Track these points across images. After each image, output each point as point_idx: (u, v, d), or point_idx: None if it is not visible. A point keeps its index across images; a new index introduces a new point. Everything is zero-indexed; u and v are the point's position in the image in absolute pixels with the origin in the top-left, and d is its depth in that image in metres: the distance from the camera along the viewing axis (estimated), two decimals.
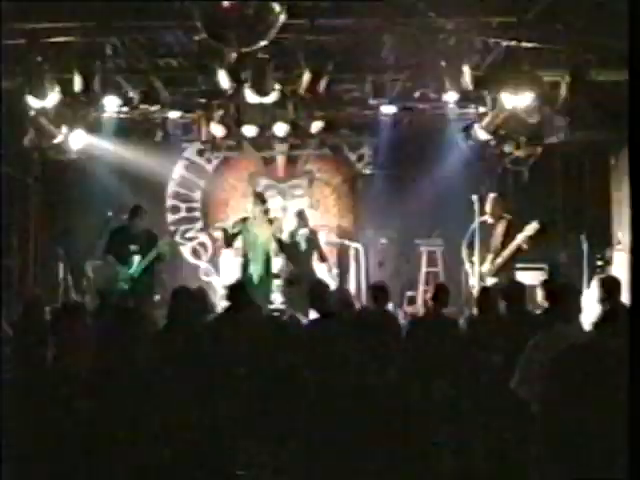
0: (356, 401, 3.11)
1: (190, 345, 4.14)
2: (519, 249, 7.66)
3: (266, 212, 8.14)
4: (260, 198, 8.31)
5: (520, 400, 4.11)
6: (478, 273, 7.74)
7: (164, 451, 3.42)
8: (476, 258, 7.74)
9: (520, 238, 7.58)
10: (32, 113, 7.81)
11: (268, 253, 8.12)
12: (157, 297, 8.48)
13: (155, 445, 3.38)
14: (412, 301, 9.81)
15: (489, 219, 7.89)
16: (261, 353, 4.22)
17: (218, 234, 9.84)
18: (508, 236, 7.74)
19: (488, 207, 7.93)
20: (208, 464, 3.75)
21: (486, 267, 7.73)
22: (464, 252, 7.93)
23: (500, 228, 7.82)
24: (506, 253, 7.67)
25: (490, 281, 7.64)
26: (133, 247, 7.85)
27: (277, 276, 8.88)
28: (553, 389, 3.39)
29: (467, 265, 7.92)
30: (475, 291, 7.44)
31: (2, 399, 3.26)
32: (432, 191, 9.62)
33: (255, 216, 8.08)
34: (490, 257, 7.74)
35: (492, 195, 8.06)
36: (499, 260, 7.69)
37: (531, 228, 7.55)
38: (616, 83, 6.82)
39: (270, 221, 8.11)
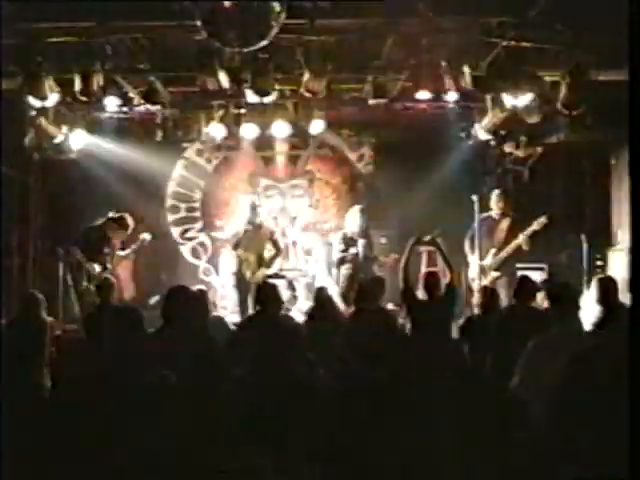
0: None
1: (187, 345, 4.12)
2: (520, 248, 7.81)
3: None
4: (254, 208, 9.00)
5: (518, 400, 4.10)
6: (480, 266, 7.93)
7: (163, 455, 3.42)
8: (477, 252, 7.93)
9: (527, 232, 7.79)
10: (32, 113, 7.81)
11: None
12: (157, 297, 8.47)
13: (152, 448, 3.38)
14: None
15: (494, 214, 8.04)
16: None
17: (218, 235, 9.99)
18: (512, 232, 7.93)
19: (493, 202, 8.15)
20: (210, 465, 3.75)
21: (488, 261, 7.88)
22: (467, 245, 8.10)
23: (505, 224, 8.02)
24: (510, 248, 7.87)
25: (492, 275, 7.88)
26: (107, 249, 7.94)
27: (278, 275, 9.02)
28: (553, 390, 3.39)
29: (469, 258, 8.08)
30: (475, 284, 7.66)
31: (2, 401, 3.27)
32: (432, 191, 9.62)
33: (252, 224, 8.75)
34: (493, 251, 7.90)
35: (497, 191, 8.25)
36: (502, 255, 7.92)
37: (538, 223, 7.71)
38: (616, 83, 6.81)
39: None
